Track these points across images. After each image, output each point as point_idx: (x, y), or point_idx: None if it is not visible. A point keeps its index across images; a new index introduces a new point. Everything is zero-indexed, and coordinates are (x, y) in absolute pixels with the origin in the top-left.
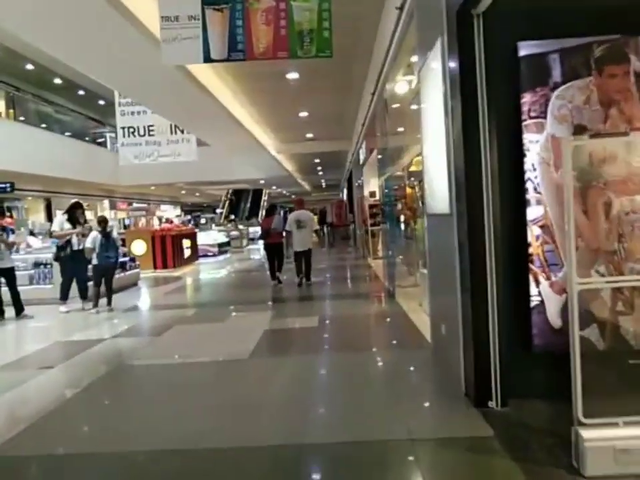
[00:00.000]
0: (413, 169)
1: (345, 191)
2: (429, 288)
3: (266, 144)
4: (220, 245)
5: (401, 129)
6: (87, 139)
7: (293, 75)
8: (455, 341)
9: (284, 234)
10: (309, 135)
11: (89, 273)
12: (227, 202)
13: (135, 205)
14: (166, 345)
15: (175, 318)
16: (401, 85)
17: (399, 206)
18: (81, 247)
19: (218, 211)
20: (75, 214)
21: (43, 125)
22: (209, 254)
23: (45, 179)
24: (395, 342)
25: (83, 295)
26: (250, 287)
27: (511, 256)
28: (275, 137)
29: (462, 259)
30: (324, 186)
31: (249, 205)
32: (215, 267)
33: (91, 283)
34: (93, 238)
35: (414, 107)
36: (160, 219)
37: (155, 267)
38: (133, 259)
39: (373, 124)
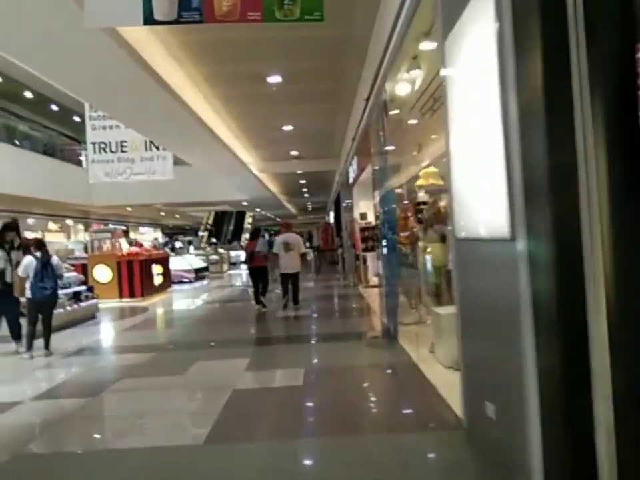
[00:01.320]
0: (420, 182)
1: (332, 214)
2: (460, 340)
3: (248, 162)
4: (197, 270)
5: (403, 137)
6: (60, 156)
7: (274, 79)
8: (517, 434)
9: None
10: (294, 153)
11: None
12: (208, 224)
13: (101, 226)
14: (98, 414)
15: (125, 367)
16: (404, 84)
17: (402, 227)
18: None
19: (199, 233)
20: (4, 237)
21: (15, 141)
22: (185, 280)
23: (8, 198)
24: (408, 415)
25: (15, 335)
26: (226, 321)
27: (627, 306)
28: (256, 154)
29: (538, 309)
30: (310, 209)
31: (231, 227)
32: (189, 296)
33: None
34: (26, 265)
35: (421, 107)
36: (131, 242)
37: (121, 296)
38: (90, 288)
39: (366, 136)
